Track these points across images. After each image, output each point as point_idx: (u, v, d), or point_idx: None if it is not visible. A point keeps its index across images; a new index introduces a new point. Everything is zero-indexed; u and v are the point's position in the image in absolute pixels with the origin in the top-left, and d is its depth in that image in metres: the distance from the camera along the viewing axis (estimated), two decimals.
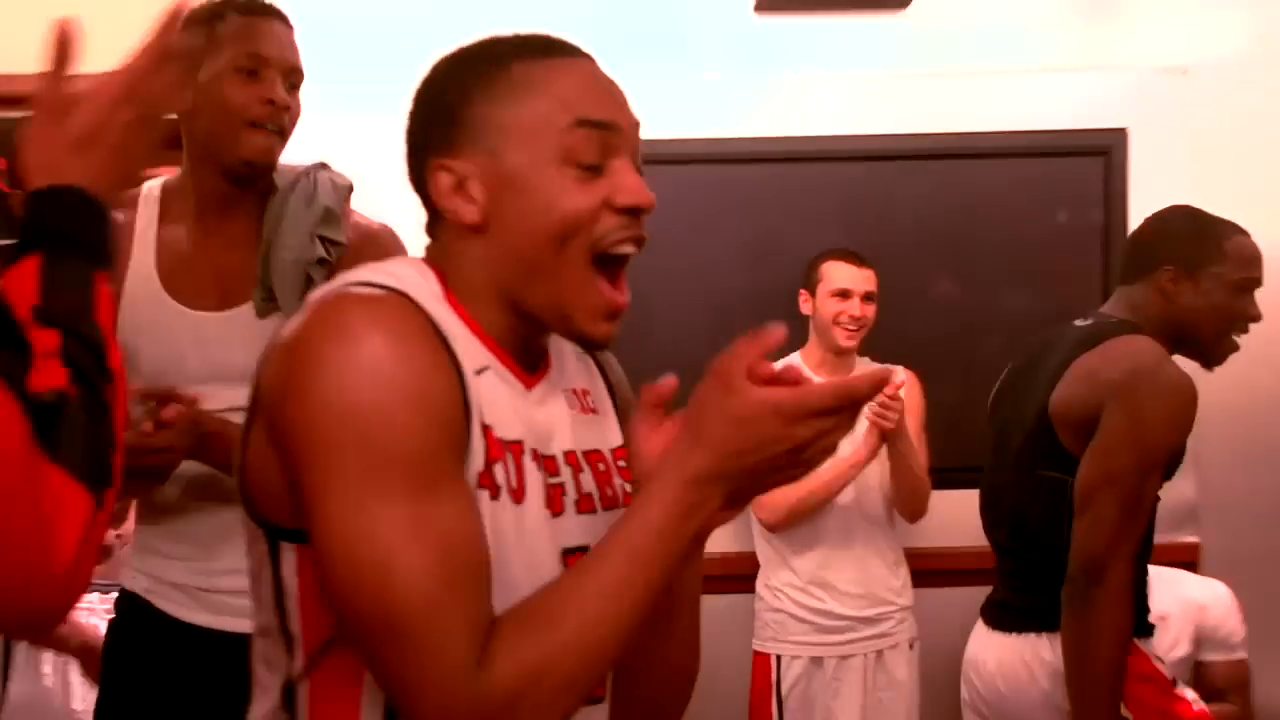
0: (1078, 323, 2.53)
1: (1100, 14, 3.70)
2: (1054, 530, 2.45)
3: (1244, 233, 2.52)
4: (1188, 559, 3.46)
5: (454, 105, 1.15)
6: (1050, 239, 3.72)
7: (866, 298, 3.28)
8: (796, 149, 3.57)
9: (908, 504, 3.35)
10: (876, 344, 3.41)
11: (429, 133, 1.16)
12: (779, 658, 3.31)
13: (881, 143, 3.58)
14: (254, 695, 1.18)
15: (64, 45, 1.12)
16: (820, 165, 3.58)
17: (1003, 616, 2.56)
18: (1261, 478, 3.62)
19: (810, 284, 3.32)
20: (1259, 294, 2.59)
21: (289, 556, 1.11)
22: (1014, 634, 2.51)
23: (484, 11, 3.42)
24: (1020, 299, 3.64)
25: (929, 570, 3.46)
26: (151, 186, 1.99)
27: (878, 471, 3.28)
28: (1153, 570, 3.03)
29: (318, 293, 1.12)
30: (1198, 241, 2.49)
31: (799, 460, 1.02)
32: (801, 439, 1.00)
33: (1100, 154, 3.66)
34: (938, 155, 3.61)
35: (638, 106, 2.82)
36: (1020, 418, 2.56)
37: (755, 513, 3.28)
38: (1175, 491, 3.24)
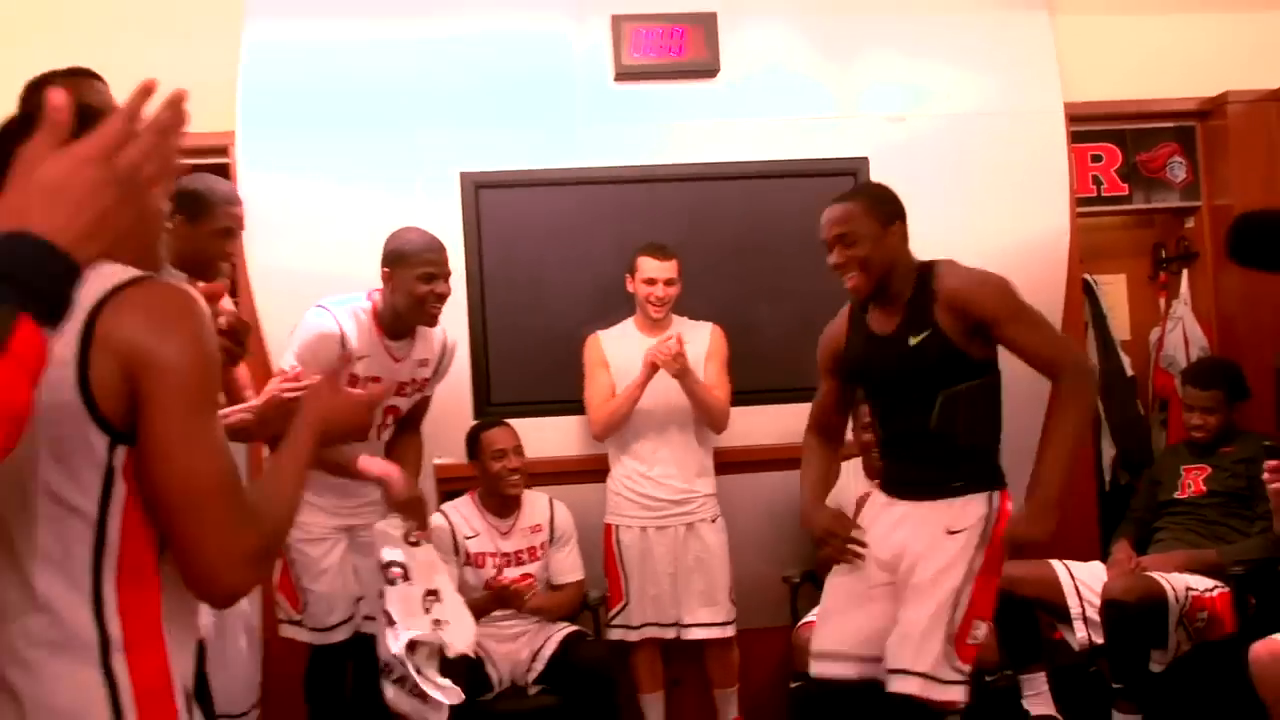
0: None
1: (847, 78, 4.67)
2: None
3: None
4: None
5: None
6: (816, 236, 4.57)
7: (668, 283, 4.08)
8: (643, 174, 4.51)
9: (708, 422, 4.16)
10: (699, 308, 4.27)
11: None
12: (617, 527, 4.17)
13: (702, 169, 4.52)
14: (35, 596, 1.38)
15: (55, 112, 1.12)
16: (659, 185, 4.51)
17: None
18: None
19: (631, 271, 4.15)
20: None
21: (121, 452, 1.37)
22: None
23: (418, 69, 4.50)
24: (794, 277, 4.48)
25: (729, 461, 4.34)
26: None
27: (683, 398, 4.08)
28: None
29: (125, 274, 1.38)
30: None
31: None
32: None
33: (850, 174, 4.49)
34: (740, 177, 4.55)
35: (531, 148, 4.33)
36: None
37: (590, 429, 4.23)
38: None
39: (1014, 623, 4.03)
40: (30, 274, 1.05)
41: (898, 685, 2.93)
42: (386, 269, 3.53)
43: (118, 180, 1.11)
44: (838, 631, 3.12)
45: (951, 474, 3.02)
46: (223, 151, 4.34)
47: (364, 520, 3.66)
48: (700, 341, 4.23)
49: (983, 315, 2.92)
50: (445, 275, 3.54)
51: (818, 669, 3.13)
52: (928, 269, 3.04)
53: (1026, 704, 4.01)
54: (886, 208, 3.06)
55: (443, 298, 3.52)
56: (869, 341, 3.11)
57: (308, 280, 4.04)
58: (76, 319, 1.32)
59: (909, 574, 3.00)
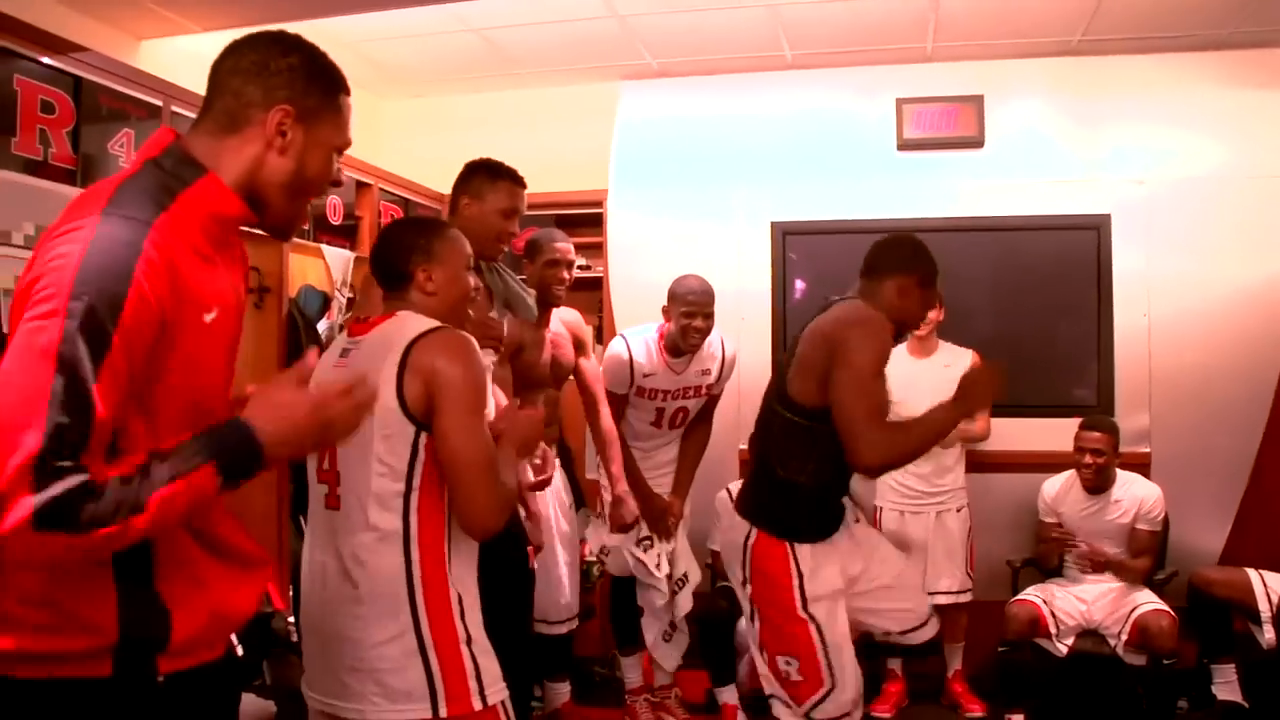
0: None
1: (1093, 146, 5.32)
2: (772, 452, 3.17)
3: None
4: (1142, 462, 4.96)
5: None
6: (1065, 281, 5.28)
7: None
8: (920, 225, 5.19)
9: (970, 443, 4.87)
10: (964, 336, 4.92)
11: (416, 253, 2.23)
12: (880, 509, 4.89)
13: (969, 222, 5.32)
14: (368, 520, 2.05)
15: (306, 366, 1.56)
16: (933, 234, 4.90)
17: (740, 503, 3.35)
18: (1186, 412, 5.12)
19: None
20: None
21: (423, 436, 2.01)
22: (740, 516, 3.31)
23: (740, 138, 5.67)
24: (1047, 314, 5.32)
25: (986, 463, 5.04)
26: None
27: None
28: (1120, 473, 4.62)
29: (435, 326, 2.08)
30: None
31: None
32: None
33: (1094, 229, 5.21)
34: (1000, 229, 5.34)
35: (828, 202, 5.41)
36: (776, 370, 3.33)
37: None
38: (1134, 421, 5.08)
39: (1208, 619, 4.55)
40: (232, 446, 1.42)
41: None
42: (665, 305, 4.39)
43: (318, 422, 1.52)
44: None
45: None
46: (598, 203, 5.75)
47: (658, 486, 4.51)
48: (961, 365, 4.86)
49: None
50: (704, 314, 4.25)
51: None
52: None
53: (1216, 690, 4.47)
54: None
55: (701, 331, 4.27)
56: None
57: (652, 291, 4.99)
58: (396, 351, 2.02)
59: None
